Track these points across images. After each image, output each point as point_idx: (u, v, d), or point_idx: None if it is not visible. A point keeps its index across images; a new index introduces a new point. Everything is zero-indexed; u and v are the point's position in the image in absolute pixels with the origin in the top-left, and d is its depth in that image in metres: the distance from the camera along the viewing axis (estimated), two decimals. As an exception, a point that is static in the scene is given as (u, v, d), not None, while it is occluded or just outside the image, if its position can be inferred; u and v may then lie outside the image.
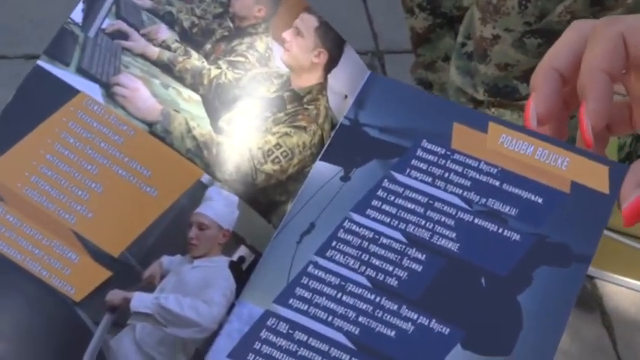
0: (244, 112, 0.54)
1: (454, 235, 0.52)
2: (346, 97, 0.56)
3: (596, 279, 1.82)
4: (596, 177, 0.52)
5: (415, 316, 0.50)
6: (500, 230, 0.52)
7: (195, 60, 0.54)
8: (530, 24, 1.35)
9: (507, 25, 1.36)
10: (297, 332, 0.50)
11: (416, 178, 0.54)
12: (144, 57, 0.54)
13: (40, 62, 0.53)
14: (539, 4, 1.32)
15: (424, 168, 0.54)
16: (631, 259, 1.83)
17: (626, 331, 1.75)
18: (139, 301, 0.50)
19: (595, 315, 1.77)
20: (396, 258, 0.51)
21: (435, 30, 1.72)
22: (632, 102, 0.55)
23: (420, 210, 0.53)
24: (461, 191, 0.53)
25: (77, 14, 0.54)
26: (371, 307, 0.50)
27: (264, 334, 0.50)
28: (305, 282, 0.51)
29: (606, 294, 1.81)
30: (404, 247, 0.52)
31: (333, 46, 0.57)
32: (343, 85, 0.57)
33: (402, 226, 0.52)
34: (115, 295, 0.50)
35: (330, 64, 0.57)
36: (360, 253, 0.52)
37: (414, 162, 0.54)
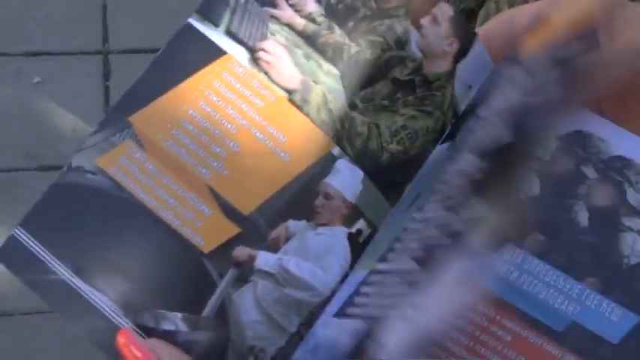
0: (378, 91, 0.56)
1: None
2: (470, 87, 0.58)
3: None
4: None
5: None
6: None
7: (338, 36, 0.56)
8: None
9: None
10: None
11: None
12: (290, 27, 0.55)
13: (190, 20, 0.54)
14: None
15: None
16: None
17: None
18: (264, 259, 0.52)
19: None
20: None
21: None
22: None
23: None
24: None
25: None
26: None
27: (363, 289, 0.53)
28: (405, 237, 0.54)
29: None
30: None
31: (465, 37, 0.58)
32: (469, 75, 0.58)
33: None
34: (241, 252, 0.52)
35: (460, 54, 0.58)
36: None
37: None
